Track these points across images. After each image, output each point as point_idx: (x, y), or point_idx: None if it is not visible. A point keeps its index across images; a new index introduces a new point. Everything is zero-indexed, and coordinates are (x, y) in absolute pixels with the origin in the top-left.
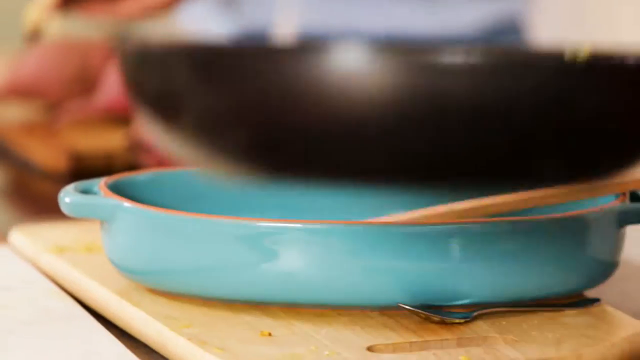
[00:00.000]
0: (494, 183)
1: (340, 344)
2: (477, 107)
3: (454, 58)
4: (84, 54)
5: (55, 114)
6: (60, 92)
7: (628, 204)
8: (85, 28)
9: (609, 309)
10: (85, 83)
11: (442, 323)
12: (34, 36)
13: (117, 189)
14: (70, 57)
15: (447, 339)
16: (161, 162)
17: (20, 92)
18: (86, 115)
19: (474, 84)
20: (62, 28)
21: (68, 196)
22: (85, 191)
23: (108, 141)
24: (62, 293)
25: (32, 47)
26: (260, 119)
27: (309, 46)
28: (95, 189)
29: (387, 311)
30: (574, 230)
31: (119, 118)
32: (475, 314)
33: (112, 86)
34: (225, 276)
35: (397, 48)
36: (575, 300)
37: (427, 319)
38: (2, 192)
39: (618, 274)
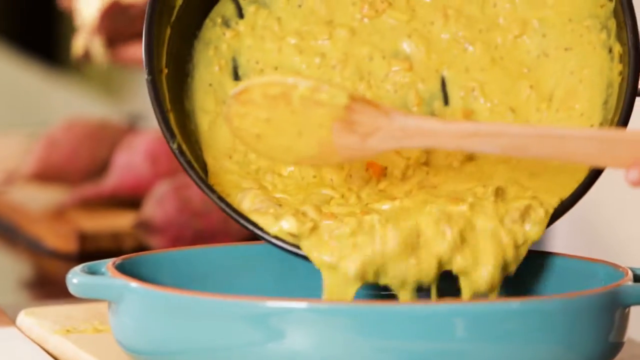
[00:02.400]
0: None
1: None
2: None
3: None
4: (103, 135)
5: (65, 195)
6: (82, 175)
7: (632, 285)
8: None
9: None
10: (96, 164)
11: None
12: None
13: (125, 270)
14: (99, 140)
15: None
16: (170, 243)
17: (49, 176)
18: (95, 197)
19: None
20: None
21: (76, 277)
22: (93, 272)
23: (116, 222)
24: None
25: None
26: None
27: None
28: (103, 269)
29: None
30: (578, 311)
31: (128, 199)
32: None
33: (121, 168)
34: (232, 356)
35: None
36: None
37: None
38: (11, 274)
39: (622, 354)
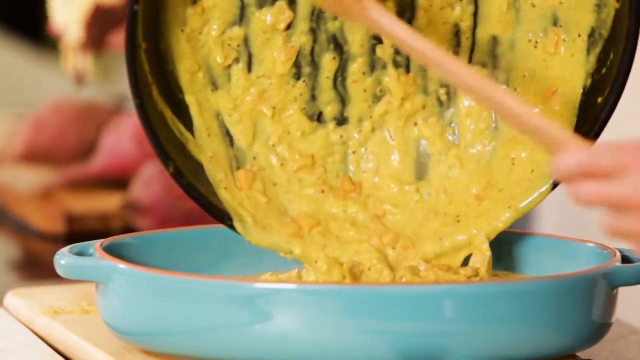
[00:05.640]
0: None
1: None
2: None
3: None
4: (91, 117)
5: (52, 176)
6: (70, 156)
7: (620, 265)
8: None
9: None
10: (84, 146)
11: None
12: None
13: (113, 251)
14: (86, 122)
15: None
16: (157, 224)
17: (37, 157)
18: (82, 178)
19: None
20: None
21: (63, 258)
22: (81, 253)
23: (104, 203)
24: (57, 356)
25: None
26: None
27: None
28: (91, 250)
29: None
30: (566, 292)
31: (115, 180)
32: None
33: (108, 149)
34: (219, 337)
35: None
36: None
37: None
38: None
39: (610, 334)
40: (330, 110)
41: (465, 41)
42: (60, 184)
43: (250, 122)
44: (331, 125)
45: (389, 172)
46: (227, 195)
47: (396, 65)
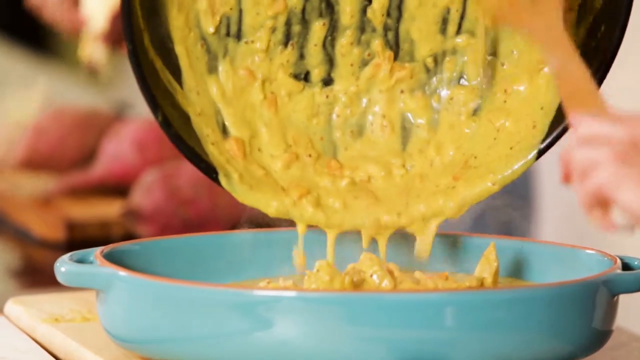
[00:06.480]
0: None
1: None
2: None
3: None
4: (91, 124)
5: (53, 183)
6: (70, 164)
7: (621, 273)
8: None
9: None
10: (84, 153)
11: None
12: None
13: (113, 259)
14: (86, 129)
15: None
16: (158, 231)
17: (37, 164)
18: (83, 185)
19: None
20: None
21: (64, 265)
22: (81, 260)
23: (105, 210)
24: None
25: (51, 117)
26: None
27: None
28: (91, 258)
29: None
30: (567, 299)
31: (116, 187)
32: None
33: (109, 156)
34: (220, 345)
35: None
36: None
37: None
38: None
39: (611, 341)
40: (317, 72)
41: (455, 13)
42: (60, 191)
43: (241, 95)
44: (317, 87)
45: (374, 140)
46: (215, 151)
47: (386, 30)
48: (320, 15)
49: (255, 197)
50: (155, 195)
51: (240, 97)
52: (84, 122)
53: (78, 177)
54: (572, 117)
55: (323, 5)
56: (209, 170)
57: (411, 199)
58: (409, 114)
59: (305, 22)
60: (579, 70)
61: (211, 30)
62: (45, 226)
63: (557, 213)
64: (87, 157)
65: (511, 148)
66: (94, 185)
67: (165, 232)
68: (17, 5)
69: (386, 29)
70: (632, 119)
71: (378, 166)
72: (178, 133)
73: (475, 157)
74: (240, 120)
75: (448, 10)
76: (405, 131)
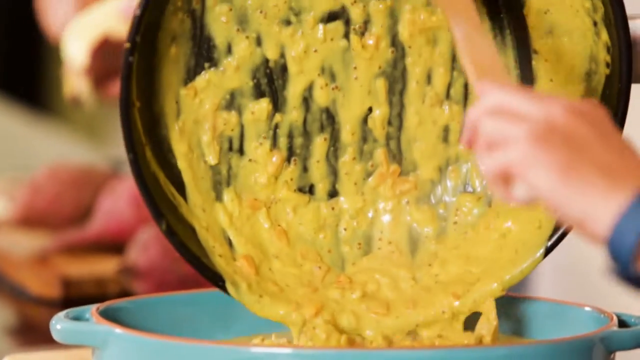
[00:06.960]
0: None
1: None
2: None
3: None
4: (87, 181)
5: (49, 241)
6: (66, 221)
7: (617, 330)
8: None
9: None
10: (80, 210)
11: None
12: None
13: (109, 316)
14: (82, 186)
15: None
16: (154, 288)
17: (33, 221)
18: (79, 242)
19: None
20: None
21: (59, 323)
22: (77, 318)
23: (101, 268)
24: None
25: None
26: None
27: None
28: (87, 315)
29: None
30: (564, 356)
31: (112, 244)
32: None
33: (105, 213)
34: None
35: None
36: None
37: None
38: None
39: None
40: (322, 187)
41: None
42: (56, 249)
43: (247, 222)
44: (322, 200)
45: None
46: (222, 262)
47: (388, 139)
48: (322, 127)
49: (268, 310)
50: (151, 252)
51: (247, 224)
52: (80, 179)
53: (74, 234)
54: (478, 85)
55: (324, 116)
56: (215, 279)
57: (419, 310)
58: (416, 224)
59: (307, 134)
60: (485, 42)
61: (212, 161)
62: (41, 283)
63: (553, 268)
64: (83, 214)
65: (516, 251)
66: (90, 243)
67: (162, 289)
68: (11, 60)
69: (388, 138)
70: (548, 99)
71: (386, 277)
72: (183, 241)
73: (477, 266)
74: (251, 245)
75: (447, 126)
76: (413, 242)
